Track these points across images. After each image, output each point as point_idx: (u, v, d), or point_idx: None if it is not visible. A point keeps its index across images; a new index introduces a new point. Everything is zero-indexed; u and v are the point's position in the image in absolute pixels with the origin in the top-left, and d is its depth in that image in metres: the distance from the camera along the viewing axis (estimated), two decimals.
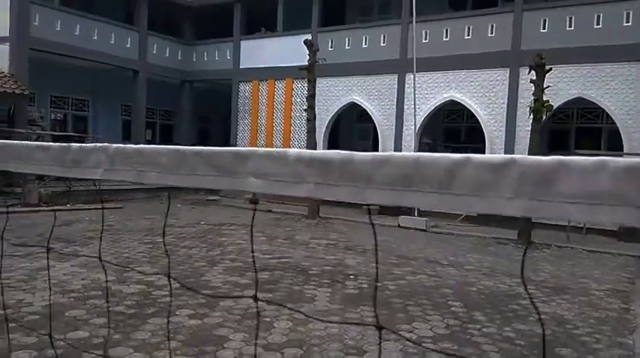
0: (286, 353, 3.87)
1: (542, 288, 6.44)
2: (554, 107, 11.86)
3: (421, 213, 12.28)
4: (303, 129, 17.13)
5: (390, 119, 15.84)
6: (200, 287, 5.64)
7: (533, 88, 10.68)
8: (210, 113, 22.05)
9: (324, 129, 16.76)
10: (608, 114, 13.08)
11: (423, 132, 15.43)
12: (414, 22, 14.06)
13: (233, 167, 0.79)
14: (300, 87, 17.24)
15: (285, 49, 17.25)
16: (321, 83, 15.50)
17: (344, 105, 16.85)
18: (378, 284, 6.06)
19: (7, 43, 14.77)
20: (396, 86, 15.62)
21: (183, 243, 8.38)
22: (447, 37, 14.82)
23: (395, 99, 15.68)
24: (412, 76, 14.17)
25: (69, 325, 4.27)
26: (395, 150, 15.61)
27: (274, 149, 0.75)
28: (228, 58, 19.28)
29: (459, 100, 14.76)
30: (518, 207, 0.58)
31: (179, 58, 20.08)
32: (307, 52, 13.63)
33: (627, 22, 12.45)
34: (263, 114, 18.50)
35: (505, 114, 13.93)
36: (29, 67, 14.95)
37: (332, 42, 16.71)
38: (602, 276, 7.45)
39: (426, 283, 6.40)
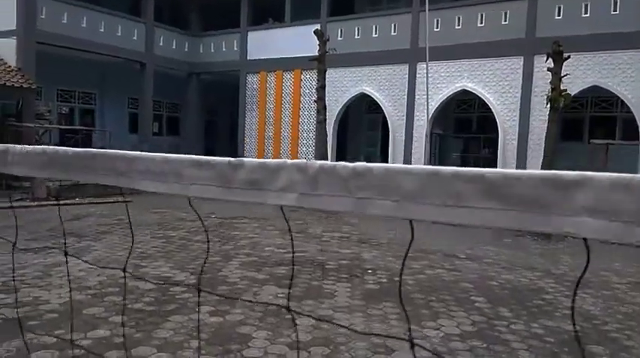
0: (313, 352, 3.77)
1: (563, 282, 6.31)
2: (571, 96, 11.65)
3: None
4: (312, 120, 16.96)
5: (401, 109, 15.63)
6: (217, 283, 5.55)
7: (548, 77, 10.47)
8: (218, 105, 21.82)
9: (333, 121, 16.57)
10: (623, 103, 12.84)
11: (433, 123, 15.24)
12: (426, 10, 13.81)
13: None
14: (309, 78, 17.04)
15: (294, 40, 17.03)
16: (331, 74, 15.30)
17: (354, 96, 16.64)
18: (397, 279, 5.95)
19: (14, 37, 14.65)
20: (406, 76, 15.40)
21: (195, 237, 8.30)
22: (459, 25, 14.56)
23: (406, 90, 15.46)
24: (423, 66, 13.97)
25: (88, 323, 4.18)
26: (405, 141, 15.44)
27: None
28: (236, 49, 19.08)
29: (471, 90, 14.53)
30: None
31: (186, 49, 19.89)
32: (317, 42, 13.44)
33: None
34: (271, 105, 18.32)
35: (519, 103, 13.70)
36: (36, 60, 14.85)
37: (341, 32, 16.46)
38: (622, 269, 7.30)
39: (445, 278, 6.28)
